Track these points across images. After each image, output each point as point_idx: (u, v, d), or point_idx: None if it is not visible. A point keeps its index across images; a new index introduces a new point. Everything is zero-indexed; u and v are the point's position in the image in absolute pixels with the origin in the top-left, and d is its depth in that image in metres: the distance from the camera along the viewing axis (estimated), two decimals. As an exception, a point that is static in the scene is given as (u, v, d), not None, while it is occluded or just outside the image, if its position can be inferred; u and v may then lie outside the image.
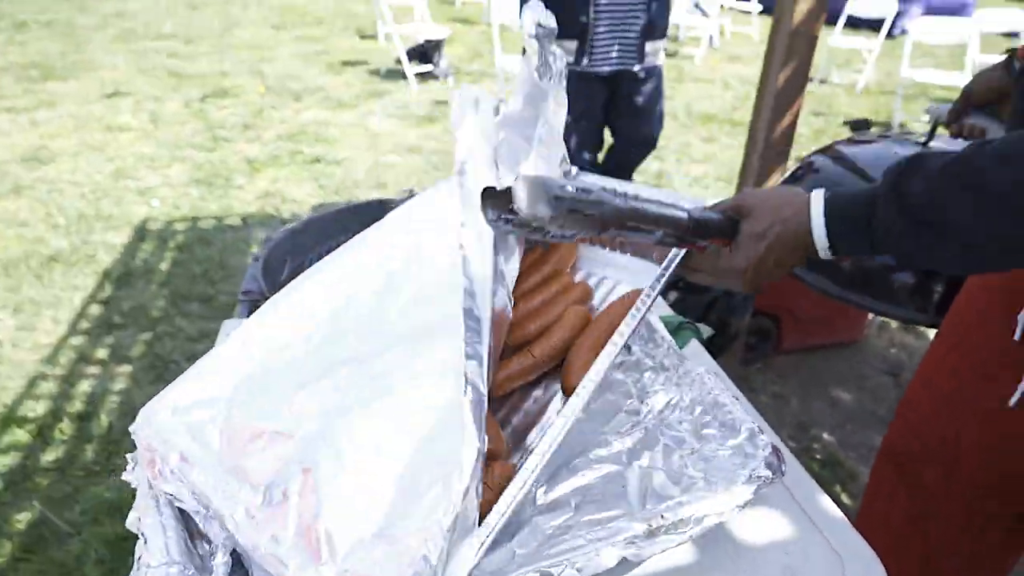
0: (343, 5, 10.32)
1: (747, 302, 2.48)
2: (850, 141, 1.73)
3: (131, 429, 0.78)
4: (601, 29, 3.04)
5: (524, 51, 1.07)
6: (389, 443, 0.68)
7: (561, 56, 1.07)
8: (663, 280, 0.92)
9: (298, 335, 0.81)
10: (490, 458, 0.78)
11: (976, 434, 1.04)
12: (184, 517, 0.74)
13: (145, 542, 0.70)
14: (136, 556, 0.69)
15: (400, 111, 5.76)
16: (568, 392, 0.94)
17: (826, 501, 0.93)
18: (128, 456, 0.80)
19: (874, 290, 1.42)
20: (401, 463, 0.66)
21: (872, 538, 0.90)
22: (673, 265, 0.92)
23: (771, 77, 2.12)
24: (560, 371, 0.98)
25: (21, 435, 2.22)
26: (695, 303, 2.44)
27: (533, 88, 1.05)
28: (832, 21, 6.87)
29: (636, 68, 3.05)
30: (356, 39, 8.27)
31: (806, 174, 1.74)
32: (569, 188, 0.71)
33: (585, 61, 3.05)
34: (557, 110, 1.06)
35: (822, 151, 1.76)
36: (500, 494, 0.69)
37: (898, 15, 6.92)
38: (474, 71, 7.15)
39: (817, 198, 0.81)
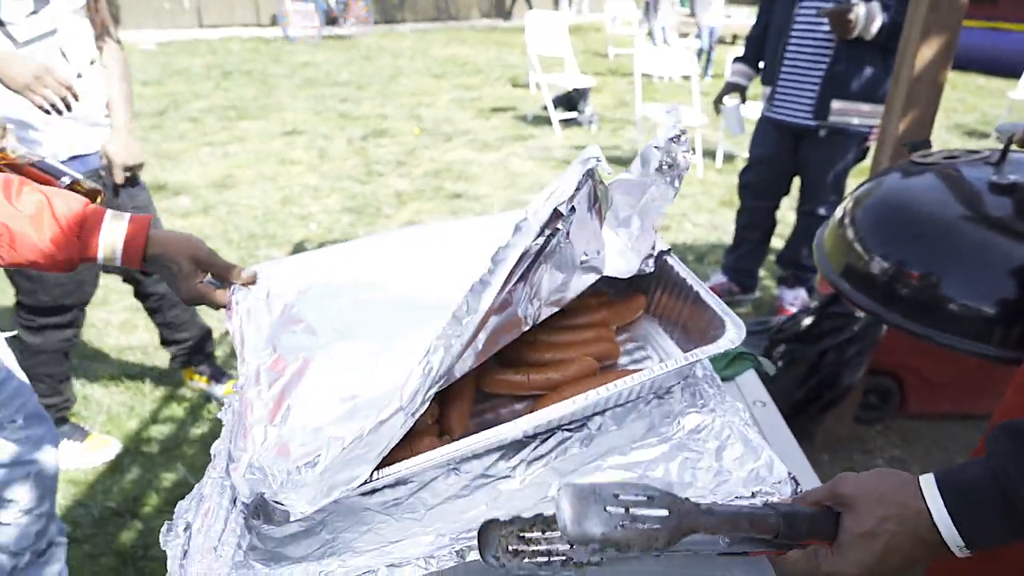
0: (501, 56, 10.96)
1: (862, 357, 2.38)
2: (912, 164, 1.60)
3: (242, 273, 1.13)
4: (784, 75, 3.08)
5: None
6: (365, 374, 0.88)
7: (686, 161, 1.07)
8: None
9: (369, 273, 1.11)
10: (442, 432, 0.95)
11: None
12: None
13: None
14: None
15: (542, 154, 6.03)
16: None
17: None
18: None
19: (949, 323, 1.33)
20: (361, 391, 0.86)
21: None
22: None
23: (891, 126, 2.07)
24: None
25: (178, 411, 2.59)
26: (803, 353, 2.37)
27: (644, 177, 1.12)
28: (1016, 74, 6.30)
29: (812, 124, 3.01)
30: (509, 87, 8.76)
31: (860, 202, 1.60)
32: (625, 495, 0.62)
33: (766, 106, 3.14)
34: (660, 203, 1.10)
35: (883, 173, 1.62)
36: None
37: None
38: (618, 118, 7.32)
39: (929, 485, 0.69)
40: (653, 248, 1.16)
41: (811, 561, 0.73)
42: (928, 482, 0.69)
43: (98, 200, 1.52)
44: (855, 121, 2.92)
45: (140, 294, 2.48)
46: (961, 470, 0.68)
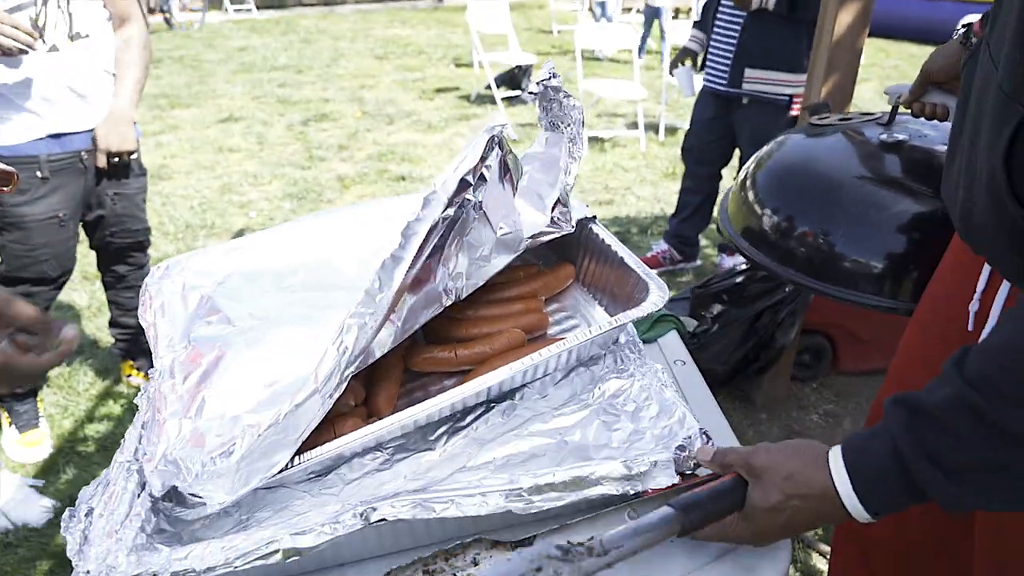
0: (444, 36, 10.82)
1: (794, 317, 2.45)
2: (811, 126, 1.67)
3: (152, 270, 1.07)
4: (712, 44, 3.15)
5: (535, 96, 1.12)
6: (285, 360, 0.87)
7: (578, 107, 1.11)
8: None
9: (291, 258, 1.07)
10: (369, 414, 0.94)
11: None
12: None
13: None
14: None
15: (485, 134, 5.99)
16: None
17: None
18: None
19: (842, 278, 1.39)
20: (281, 377, 0.84)
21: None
22: None
23: (813, 92, 2.12)
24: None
25: (115, 408, 2.52)
26: (738, 316, 2.43)
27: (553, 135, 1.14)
28: None
29: (732, 92, 3.09)
30: (452, 67, 8.66)
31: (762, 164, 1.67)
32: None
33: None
34: (568, 159, 1.11)
35: (782, 137, 1.69)
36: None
37: None
38: (561, 95, 7.31)
39: (837, 464, 0.72)
40: (562, 200, 1.13)
41: (719, 530, 0.78)
42: (836, 461, 0.73)
43: (11, 185, 1.44)
44: (767, 89, 3.00)
45: (100, 263, 2.45)
46: (865, 448, 0.72)
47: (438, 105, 6.89)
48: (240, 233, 4.04)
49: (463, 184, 0.89)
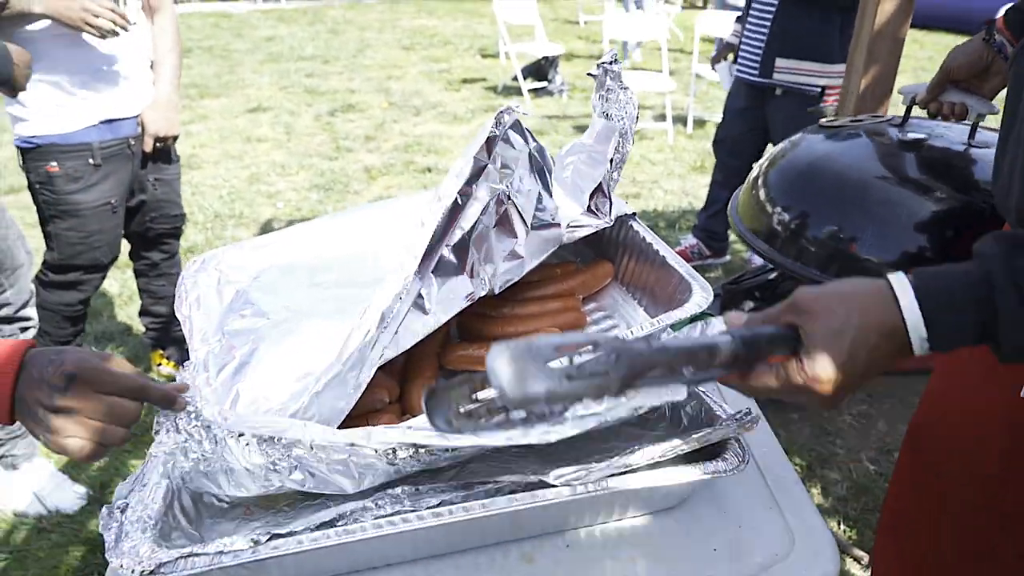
0: (470, 27, 10.78)
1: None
2: (820, 128, 1.64)
3: (188, 264, 1.07)
4: (746, 33, 3.08)
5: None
6: (314, 353, 0.86)
7: (633, 102, 1.09)
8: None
9: (324, 253, 1.07)
10: (403, 411, 0.93)
11: (995, 424, 1.00)
12: None
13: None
14: None
15: (511, 125, 5.96)
16: None
17: (794, 483, 0.94)
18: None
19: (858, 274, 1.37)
20: (311, 369, 0.84)
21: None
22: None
23: (853, 83, 2.06)
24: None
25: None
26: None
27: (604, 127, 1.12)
28: None
29: (763, 82, 3.02)
30: (478, 58, 8.63)
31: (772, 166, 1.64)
32: (566, 346, 0.56)
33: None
34: (615, 154, 1.09)
35: (792, 142, 1.67)
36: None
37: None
38: (588, 87, 7.25)
39: (901, 282, 0.66)
40: (602, 189, 1.11)
41: (779, 375, 0.67)
42: (900, 281, 0.66)
43: None
44: (801, 80, 2.93)
45: (134, 250, 2.49)
46: (939, 273, 0.66)
47: (464, 96, 6.86)
48: (268, 223, 4.07)
49: (478, 166, 0.88)
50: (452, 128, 5.87)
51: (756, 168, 1.73)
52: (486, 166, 0.87)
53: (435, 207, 0.85)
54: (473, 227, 0.87)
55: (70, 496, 2.04)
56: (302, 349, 0.91)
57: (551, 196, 1.02)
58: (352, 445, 0.73)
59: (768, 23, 2.92)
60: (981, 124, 1.38)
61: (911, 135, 1.44)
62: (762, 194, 1.61)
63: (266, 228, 4.00)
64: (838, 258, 1.40)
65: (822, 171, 1.54)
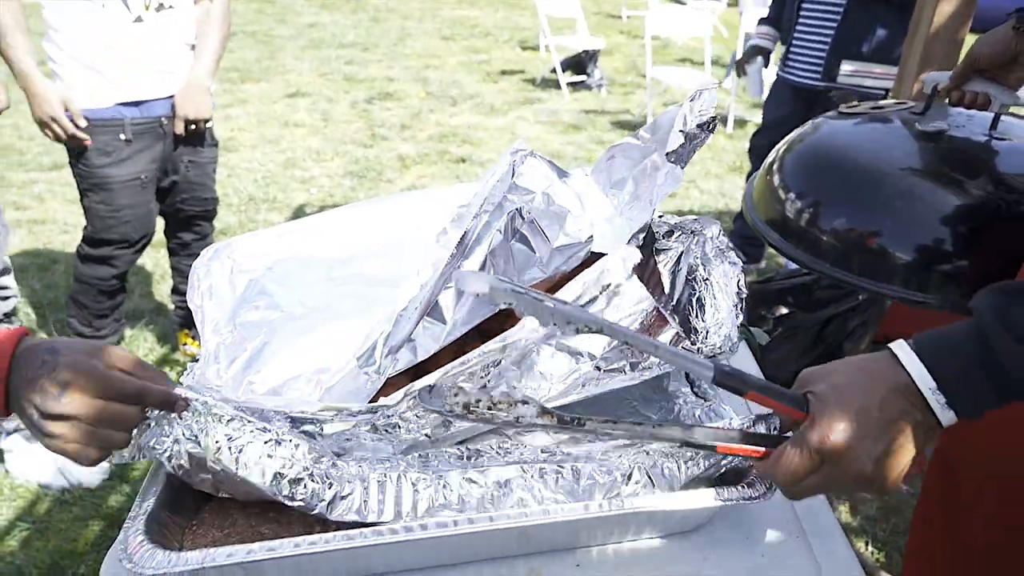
0: (511, 18, 10.71)
1: (866, 328, 2.31)
2: (839, 113, 1.57)
3: (202, 252, 1.04)
4: (798, 34, 2.96)
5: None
6: (329, 348, 0.85)
7: (701, 138, 1.01)
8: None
9: (343, 247, 1.04)
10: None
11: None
12: None
13: None
14: None
15: (549, 118, 5.91)
16: None
17: (823, 508, 0.89)
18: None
19: (884, 272, 1.28)
20: (328, 365, 0.83)
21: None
22: None
23: (904, 87, 1.97)
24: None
25: (171, 376, 2.57)
26: (804, 322, 2.31)
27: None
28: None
29: (822, 86, 2.90)
30: (518, 50, 8.57)
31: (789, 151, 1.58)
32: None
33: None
34: (665, 184, 1.01)
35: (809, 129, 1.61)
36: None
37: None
38: (628, 82, 7.16)
39: (899, 344, 0.64)
40: (646, 226, 1.08)
41: (796, 445, 0.64)
42: (901, 346, 0.64)
43: None
44: (867, 83, 2.81)
45: (168, 229, 2.52)
46: (937, 335, 0.63)
47: (502, 88, 6.82)
48: (301, 208, 4.08)
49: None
50: (488, 120, 5.84)
51: (772, 154, 1.66)
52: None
53: (455, 228, 0.84)
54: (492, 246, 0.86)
55: (92, 470, 2.07)
56: (316, 347, 0.89)
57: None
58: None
59: (830, 24, 2.82)
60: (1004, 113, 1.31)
61: (933, 125, 1.38)
62: (776, 179, 1.54)
63: (298, 213, 4.02)
64: (854, 250, 1.33)
65: (839, 158, 1.48)
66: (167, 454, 0.75)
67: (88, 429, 0.68)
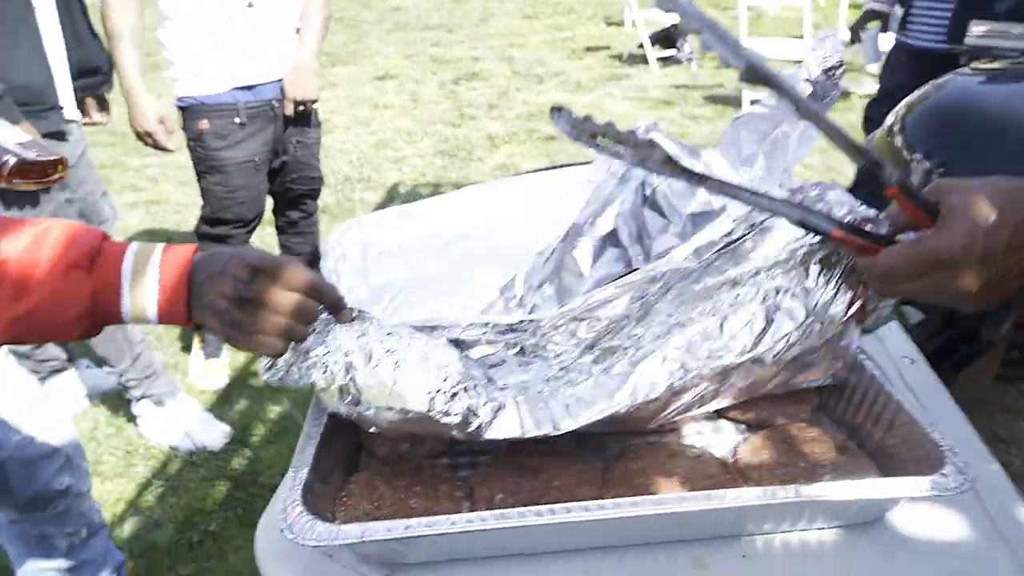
0: (593, -6, 10.51)
1: (1007, 312, 2.13)
2: (974, 71, 1.41)
3: (337, 227, 1.07)
4: None
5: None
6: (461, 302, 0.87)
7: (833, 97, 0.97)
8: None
9: (459, 227, 1.06)
10: None
11: None
12: None
13: None
14: None
15: (638, 94, 5.76)
16: None
17: (1022, 513, 0.80)
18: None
19: None
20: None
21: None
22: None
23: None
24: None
25: (282, 349, 2.66)
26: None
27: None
28: None
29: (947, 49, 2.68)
30: (603, 25, 8.40)
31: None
32: None
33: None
34: (799, 146, 0.98)
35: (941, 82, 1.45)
36: None
37: None
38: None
39: None
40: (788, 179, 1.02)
41: (908, 247, 0.62)
42: None
43: (59, 170, 1.48)
44: (1004, 44, 2.56)
45: (276, 208, 2.58)
46: None
47: (587, 64, 6.70)
48: (394, 187, 4.14)
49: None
50: (575, 97, 5.75)
51: (892, 116, 1.54)
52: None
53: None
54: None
55: (216, 434, 2.16)
56: (452, 299, 0.91)
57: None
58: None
59: None
60: None
61: None
62: (899, 141, 1.43)
63: (392, 192, 4.07)
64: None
65: (973, 113, 1.35)
66: (324, 367, 0.75)
67: (276, 319, 0.69)
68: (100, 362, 2.41)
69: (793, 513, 0.75)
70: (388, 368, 0.73)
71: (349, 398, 0.75)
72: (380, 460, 0.89)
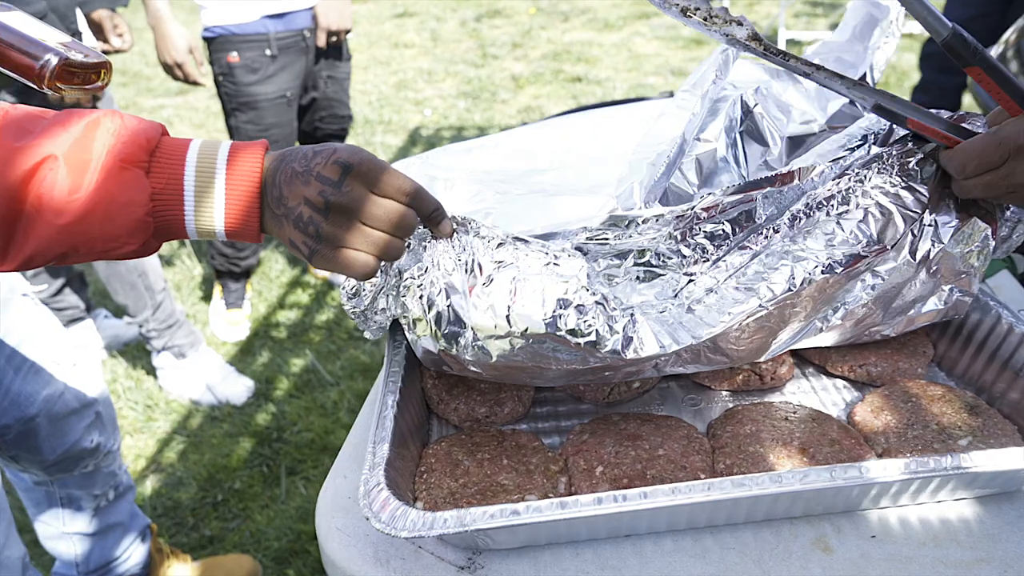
0: (620, -74, 10.00)
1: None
2: None
3: (398, 162, 0.94)
4: None
5: None
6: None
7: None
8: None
9: (538, 158, 0.97)
10: None
11: None
12: None
13: None
14: None
15: (668, 33, 5.48)
16: None
17: None
18: None
19: None
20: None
21: None
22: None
23: None
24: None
25: (303, 298, 2.57)
26: None
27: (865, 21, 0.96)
28: None
29: None
30: (630, -40, 7.99)
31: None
32: None
33: None
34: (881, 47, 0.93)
35: None
36: None
37: None
38: (754, -9, 6.53)
39: None
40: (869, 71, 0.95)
41: (994, 133, 0.63)
42: None
43: (103, 77, 1.36)
44: None
45: None
46: None
47: (615, 1, 6.38)
48: (416, 130, 3.98)
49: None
50: (602, 36, 5.48)
51: (1001, 44, 1.43)
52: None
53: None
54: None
55: (239, 388, 2.09)
56: (545, 216, 0.80)
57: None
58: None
59: None
60: None
61: None
62: (1014, 66, 1.35)
63: (414, 135, 3.92)
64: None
65: None
66: (419, 291, 0.65)
67: (369, 232, 0.58)
68: (119, 312, 2.34)
69: (934, 486, 0.65)
70: (503, 284, 0.62)
71: (448, 329, 0.64)
72: (456, 427, 0.79)
